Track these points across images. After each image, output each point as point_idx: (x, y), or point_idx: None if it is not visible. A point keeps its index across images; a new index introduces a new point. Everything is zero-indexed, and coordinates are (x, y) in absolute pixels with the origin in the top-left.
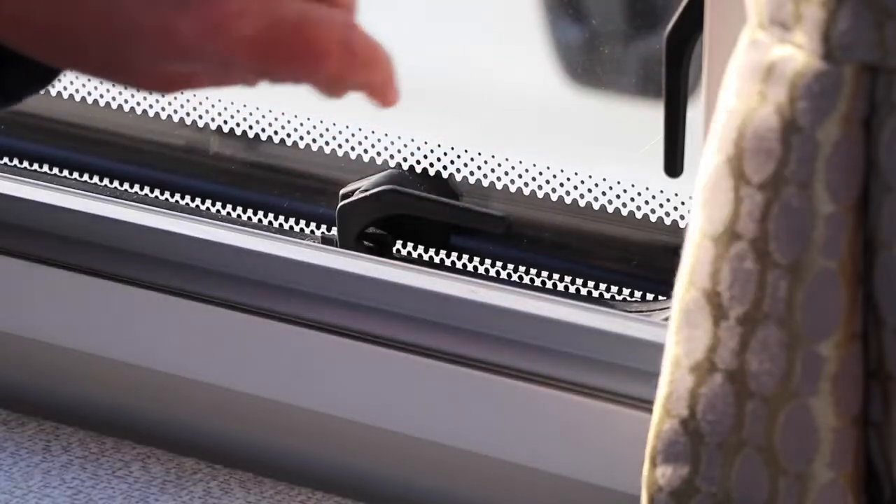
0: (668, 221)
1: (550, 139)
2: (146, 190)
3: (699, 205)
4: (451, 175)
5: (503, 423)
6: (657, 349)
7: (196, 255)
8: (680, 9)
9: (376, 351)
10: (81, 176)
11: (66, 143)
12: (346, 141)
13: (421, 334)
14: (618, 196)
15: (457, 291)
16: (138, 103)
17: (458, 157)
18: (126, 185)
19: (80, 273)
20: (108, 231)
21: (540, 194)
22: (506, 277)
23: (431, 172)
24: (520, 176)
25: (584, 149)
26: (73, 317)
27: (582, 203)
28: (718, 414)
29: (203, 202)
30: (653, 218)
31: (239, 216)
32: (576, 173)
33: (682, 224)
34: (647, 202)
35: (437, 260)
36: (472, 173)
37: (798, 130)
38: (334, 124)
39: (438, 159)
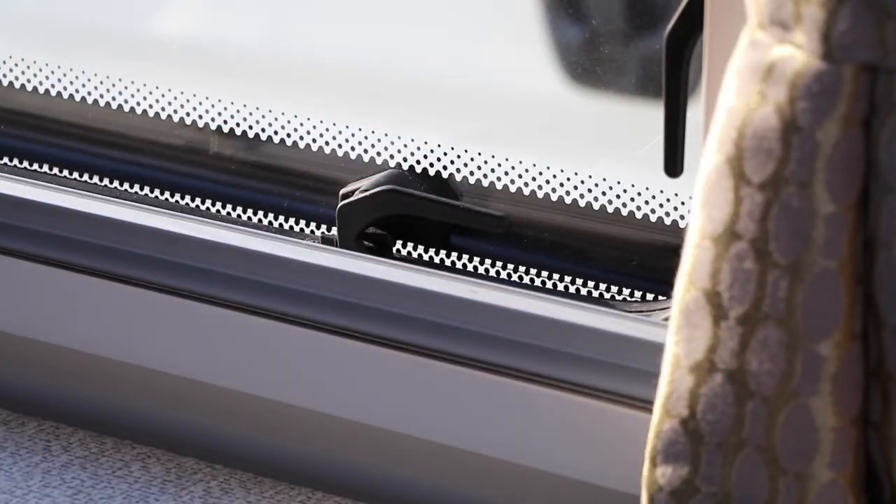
0: (668, 221)
1: (550, 139)
2: (146, 190)
3: (699, 205)
4: (451, 175)
5: (503, 423)
6: (657, 349)
7: (196, 255)
8: (680, 9)
9: (376, 351)
10: (81, 176)
11: (67, 143)
12: (346, 141)
13: (421, 334)
14: (618, 196)
15: (457, 291)
16: (138, 103)
17: (458, 157)
18: (126, 185)
19: (81, 273)
20: (108, 231)
21: (540, 194)
22: (506, 277)
23: (431, 172)
24: (520, 176)
25: (584, 149)
26: (73, 317)
27: (582, 203)
28: (718, 414)
29: (203, 202)
30: (653, 218)
31: (239, 216)
32: (576, 173)
33: (682, 224)
34: (647, 202)
35: (437, 260)
36: (472, 173)
37: (798, 130)
38: (334, 124)
39: (438, 159)
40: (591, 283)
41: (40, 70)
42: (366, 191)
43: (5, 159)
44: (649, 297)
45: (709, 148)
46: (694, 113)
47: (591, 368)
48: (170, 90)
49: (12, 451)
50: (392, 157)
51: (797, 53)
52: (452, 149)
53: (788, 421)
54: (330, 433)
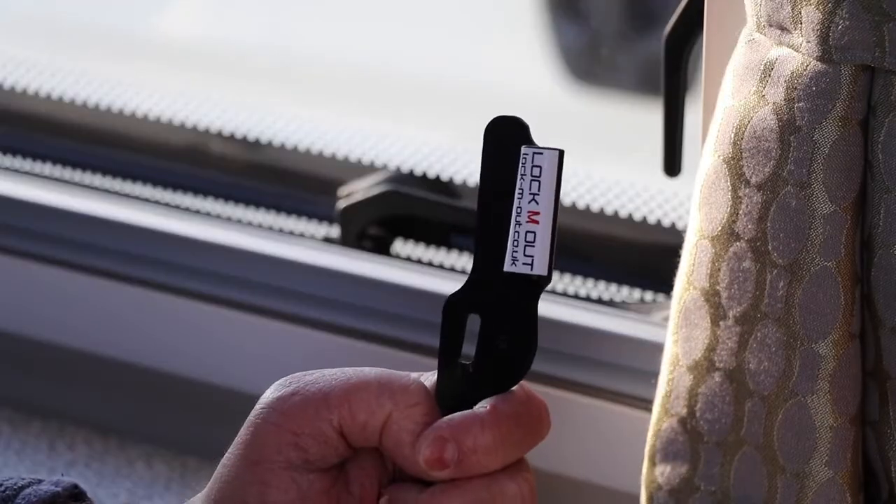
0: (667, 222)
1: (550, 139)
2: (146, 190)
3: (697, 205)
4: (451, 175)
5: None
6: (656, 349)
7: (196, 255)
8: (679, 10)
9: (377, 351)
10: (82, 176)
11: (67, 142)
12: (347, 141)
13: (421, 334)
14: (617, 196)
15: None
16: (138, 105)
17: (459, 157)
18: (126, 185)
19: (81, 273)
20: (109, 231)
21: None
22: None
23: (431, 173)
24: None
25: (584, 149)
26: (75, 316)
27: (582, 203)
28: (717, 413)
29: (203, 202)
30: (652, 218)
31: (239, 216)
32: (576, 173)
33: (681, 224)
34: (646, 202)
35: (437, 260)
36: (471, 174)
37: (796, 131)
38: (335, 125)
39: (439, 160)
40: (590, 283)
41: (40, 73)
42: (366, 191)
43: (5, 159)
44: (648, 297)
45: (707, 148)
46: (693, 113)
47: (590, 368)
48: (170, 90)
49: (17, 450)
50: (392, 157)
51: (795, 54)
52: (453, 149)
53: (787, 420)
54: None
